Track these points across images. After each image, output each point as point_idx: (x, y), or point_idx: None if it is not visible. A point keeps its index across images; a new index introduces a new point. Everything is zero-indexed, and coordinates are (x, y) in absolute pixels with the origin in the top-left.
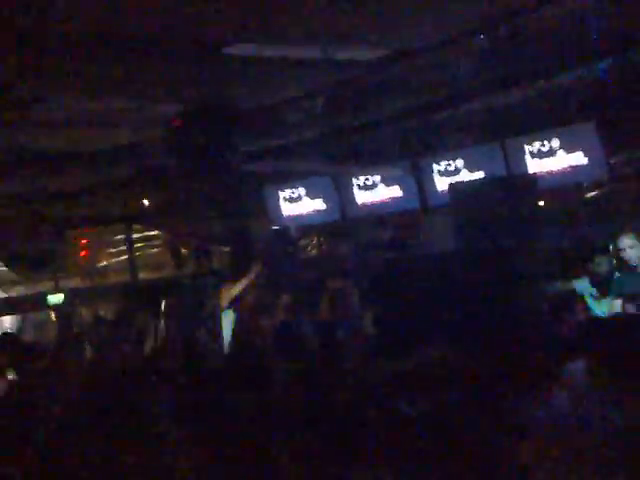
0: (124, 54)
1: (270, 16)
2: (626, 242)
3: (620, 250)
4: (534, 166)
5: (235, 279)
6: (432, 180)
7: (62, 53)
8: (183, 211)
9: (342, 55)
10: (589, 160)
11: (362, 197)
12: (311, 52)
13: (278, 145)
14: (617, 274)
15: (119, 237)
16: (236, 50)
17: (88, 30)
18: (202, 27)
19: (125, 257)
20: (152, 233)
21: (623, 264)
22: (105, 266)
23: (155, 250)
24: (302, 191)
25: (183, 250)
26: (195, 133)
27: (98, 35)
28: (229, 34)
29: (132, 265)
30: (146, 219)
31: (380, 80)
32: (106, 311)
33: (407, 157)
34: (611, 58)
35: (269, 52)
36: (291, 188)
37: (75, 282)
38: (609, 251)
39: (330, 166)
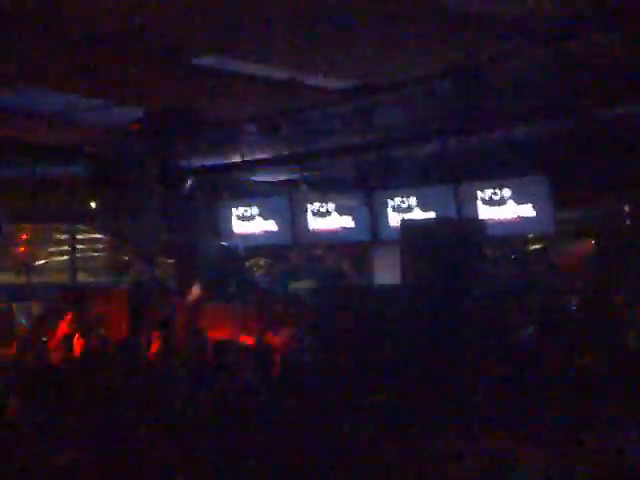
0: (93, 52)
1: (243, 33)
2: None
3: None
4: (484, 212)
5: (178, 291)
6: (385, 214)
7: (32, 44)
8: (130, 217)
9: (309, 81)
10: (537, 213)
11: (315, 223)
12: (279, 73)
13: (236, 161)
14: None
15: (62, 236)
16: (205, 62)
17: (61, 22)
18: (173, 35)
19: (65, 257)
20: (96, 236)
21: None
22: (43, 264)
23: (97, 253)
24: (255, 210)
25: (126, 257)
26: (152, 139)
27: (69, 29)
28: (200, 45)
29: (72, 266)
30: (92, 221)
31: (344, 110)
32: (37, 309)
33: (363, 189)
34: (566, 117)
35: (237, 67)
36: (245, 206)
37: (10, 277)
38: None
39: (286, 189)
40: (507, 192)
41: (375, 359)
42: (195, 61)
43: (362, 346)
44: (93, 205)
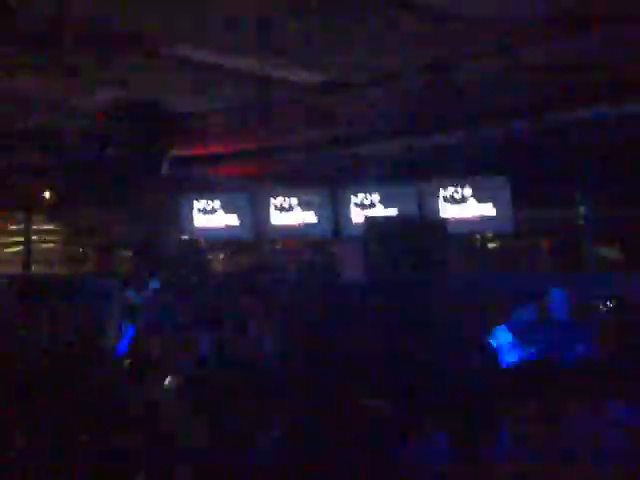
0: (63, 40)
1: (213, 23)
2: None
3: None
4: (445, 210)
5: (136, 284)
6: (348, 210)
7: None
8: (90, 207)
9: (278, 74)
10: (497, 212)
11: (277, 218)
12: (248, 65)
13: (200, 154)
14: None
15: (16, 227)
16: (174, 51)
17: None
18: (141, 23)
19: (20, 248)
20: (51, 227)
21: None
22: None
23: (53, 245)
24: (217, 204)
25: (83, 248)
26: (118, 128)
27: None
28: (169, 35)
29: (27, 256)
30: (48, 211)
31: (310, 105)
32: None
33: (326, 185)
34: (528, 118)
35: (206, 57)
36: (207, 199)
37: None
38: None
39: (248, 183)
40: (468, 191)
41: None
42: (164, 51)
43: (325, 340)
44: (47, 195)
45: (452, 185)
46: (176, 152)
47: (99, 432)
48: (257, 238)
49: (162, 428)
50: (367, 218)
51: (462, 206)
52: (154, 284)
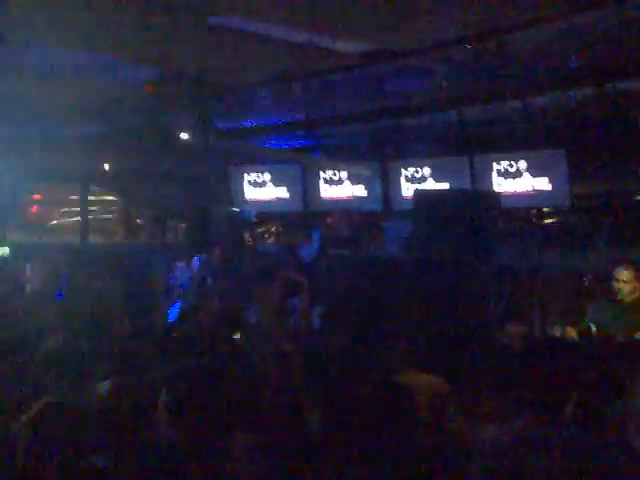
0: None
1: None
2: (623, 274)
3: (614, 280)
4: (499, 184)
5: (189, 255)
6: (398, 184)
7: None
8: (143, 179)
9: (325, 44)
10: (553, 186)
11: (327, 191)
12: (295, 36)
13: (249, 126)
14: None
15: (74, 197)
16: (222, 21)
17: None
18: None
19: (77, 218)
20: (108, 198)
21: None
22: (56, 224)
23: (109, 215)
24: (267, 177)
25: (137, 219)
26: (166, 101)
27: None
28: (217, 4)
29: (84, 227)
30: (104, 182)
31: (358, 76)
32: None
33: (376, 158)
34: (586, 89)
35: (254, 29)
36: (257, 172)
37: (22, 236)
38: None
39: (298, 155)
40: (523, 164)
41: (380, 329)
42: (211, 20)
43: (367, 316)
44: (106, 166)
45: (506, 159)
46: (226, 124)
47: None
48: (307, 210)
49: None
50: (416, 191)
51: (516, 180)
52: (203, 257)
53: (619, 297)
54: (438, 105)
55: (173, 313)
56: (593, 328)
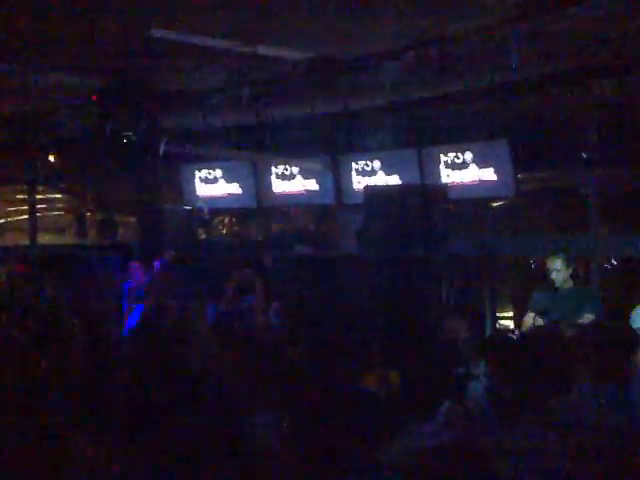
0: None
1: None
2: (556, 263)
3: (547, 269)
4: (447, 176)
5: (141, 254)
6: (350, 178)
7: None
8: (92, 178)
9: (267, 52)
10: (498, 176)
11: (279, 186)
12: (237, 45)
13: (197, 129)
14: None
15: (20, 197)
16: (163, 34)
17: None
18: (132, 7)
19: (24, 218)
20: (56, 196)
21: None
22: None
23: (57, 214)
24: (219, 173)
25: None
26: (112, 108)
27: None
28: (158, 17)
29: (31, 227)
30: (51, 182)
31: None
32: None
33: (327, 153)
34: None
35: (195, 40)
36: (208, 169)
37: None
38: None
39: (249, 153)
40: (469, 155)
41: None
42: (154, 33)
43: (323, 313)
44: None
45: (452, 150)
46: (177, 126)
47: None
48: (260, 206)
49: None
50: (366, 187)
51: (463, 171)
52: (159, 258)
53: (555, 286)
54: (389, 104)
55: (133, 318)
56: (538, 319)
